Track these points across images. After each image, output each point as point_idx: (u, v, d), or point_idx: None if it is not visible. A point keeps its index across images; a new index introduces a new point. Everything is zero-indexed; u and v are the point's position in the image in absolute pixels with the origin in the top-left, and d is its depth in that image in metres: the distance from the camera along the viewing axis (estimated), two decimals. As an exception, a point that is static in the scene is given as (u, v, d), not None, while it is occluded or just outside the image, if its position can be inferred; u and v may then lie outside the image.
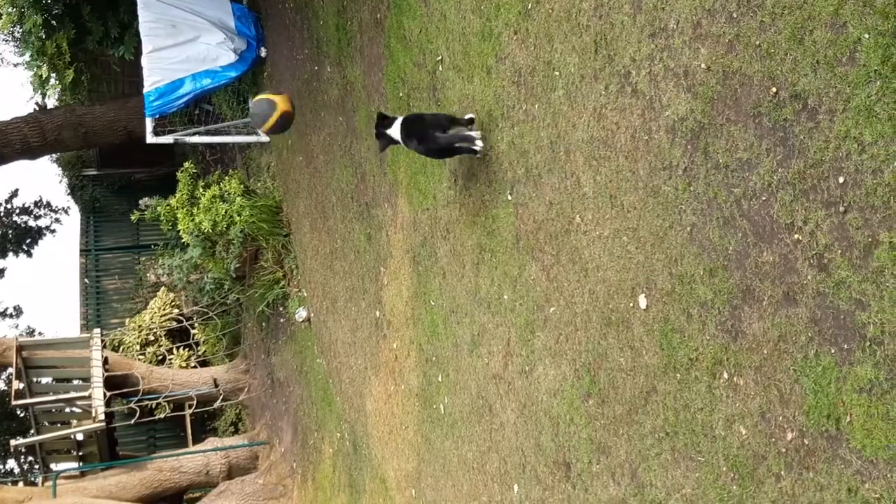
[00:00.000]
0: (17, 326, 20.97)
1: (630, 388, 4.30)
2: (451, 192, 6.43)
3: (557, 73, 4.88)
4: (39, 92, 13.93)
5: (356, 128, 8.49)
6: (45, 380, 13.63)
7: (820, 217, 3.16)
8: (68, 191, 19.65)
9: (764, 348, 3.47)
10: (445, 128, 5.70)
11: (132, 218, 13.31)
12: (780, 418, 3.39)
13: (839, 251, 3.09)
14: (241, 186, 12.11)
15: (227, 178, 12.39)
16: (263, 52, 12.17)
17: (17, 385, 12.27)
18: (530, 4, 5.12)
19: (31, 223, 22.14)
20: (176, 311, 15.74)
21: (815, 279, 3.21)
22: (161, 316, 15.71)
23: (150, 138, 11.99)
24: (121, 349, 15.24)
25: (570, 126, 4.77)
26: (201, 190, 12.13)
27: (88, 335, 13.18)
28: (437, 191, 6.71)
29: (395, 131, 5.77)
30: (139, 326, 15.56)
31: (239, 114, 13.26)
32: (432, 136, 5.64)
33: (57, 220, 22.33)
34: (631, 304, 4.27)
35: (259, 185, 12.66)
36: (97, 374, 12.24)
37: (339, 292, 9.43)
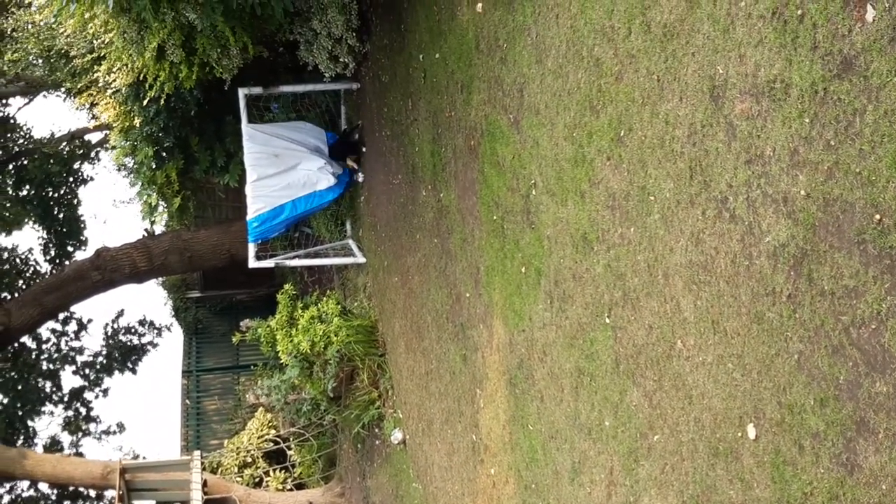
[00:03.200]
0: (120, 448, 21.52)
1: (741, 523, 4.16)
2: (547, 314, 6.47)
3: (652, 198, 4.93)
4: (148, 219, 14.71)
5: (451, 250, 8.67)
6: (145, 503, 13.88)
7: (935, 347, 3.08)
8: (173, 313, 20.43)
9: (882, 483, 3.34)
10: None
11: (233, 340, 13.72)
12: (907, 560, 3.22)
13: (959, 383, 2.99)
14: (339, 307, 12.38)
15: (324, 298, 12.71)
16: (360, 178, 12.63)
17: (119, 508, 12.52)
18: (623, 132, 5.24)
19: (136, 341, 23.05)
20: (273, 431, 15.95)
21: (934, 411, 3.10)
22: (258, 437, 15.93)
23: (253, 263, 12.47)
24: (219, 471, 15.46)
25: (668, 250, 4.79)
26: (300, 311, 12.45)
27: (189, 458, 13.43)
28: (532, 312, 6.75)
29: None
30: (237, 448, 15.79)
31: (337, 236, 13.70)
32: None
33: (159, 335, 23.20)
34: (739, 434, 4.17)
35: (356, 305, 12.93)
36: (196, 497, 12.41)
37: (434, 414, 9.44)
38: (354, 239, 13.30)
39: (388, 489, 11.66)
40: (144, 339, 22.70)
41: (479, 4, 7.46)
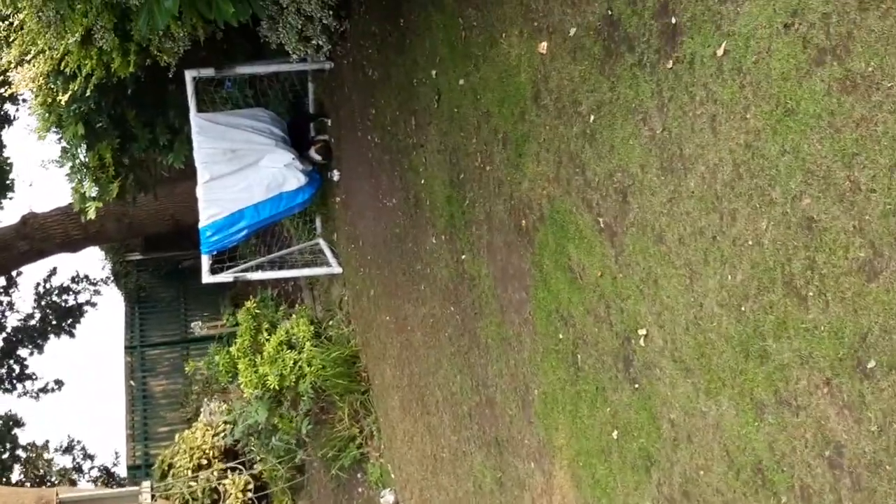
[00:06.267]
0: (65, 458, 18.83)
1: None
2: (661, 520, 4.34)
3: (947, 509, 2.77)
4: (80, 207, 11.97)
5: (478, 335, 6.41)
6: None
7: None
8: (111, 277, 17.74)
9: None
10: None
11: (186, 370, 11.33)
12: None
13: None
14: (311, 329, 10.08)
15: (293, 316, 10.39)
16: (336, 176, 10.14)
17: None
18: (873, 362, 3.01)
19: (71, 301, 20.27)
20: (231, 426, 13.76)
21: None
22: (213, 434, 13.74)
23: (207, 278, 10.01)
24: (170, 474, 13.34)
25: None
26: (265, 335, 10.13)
27: (137, 488, 11.27)
28: (630, 501, 4.62)
29: None
30: (191, 448, 13.59)
31: (305, 235, 11.25)
32: None
33: (97, 293, 20.43)
34: None
35: (331, 324, 10.57)
36: (147, 540, 10.30)
37: (446, 512, 7.37)
38: (327, 241, 10.86)
39: (373, 540, 9.67)
40: (81, 298, 19.90)
41: (544, 44, 4.99)
